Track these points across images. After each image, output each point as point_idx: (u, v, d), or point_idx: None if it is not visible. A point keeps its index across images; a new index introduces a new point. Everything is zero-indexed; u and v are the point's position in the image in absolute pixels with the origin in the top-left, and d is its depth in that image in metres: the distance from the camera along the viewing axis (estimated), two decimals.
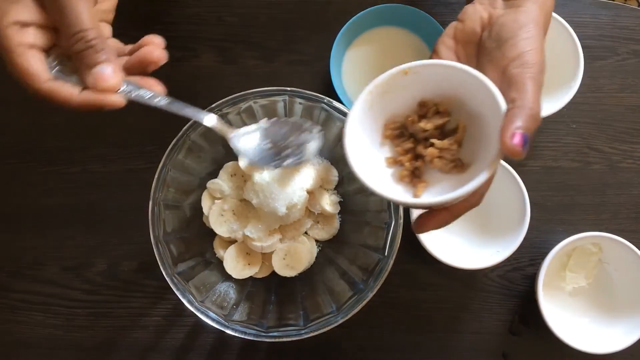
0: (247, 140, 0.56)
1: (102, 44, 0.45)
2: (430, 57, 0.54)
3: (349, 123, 0.50)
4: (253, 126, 0.57)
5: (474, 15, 0.53)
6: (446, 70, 0.49)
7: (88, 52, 0.45)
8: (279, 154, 0.57)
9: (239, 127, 0.69)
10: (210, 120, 0.54)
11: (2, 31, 0.43)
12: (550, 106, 0.73)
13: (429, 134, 0.51)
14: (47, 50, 0.46)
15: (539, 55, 0.48)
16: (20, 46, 0.44)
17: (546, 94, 0.74)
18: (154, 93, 0.48)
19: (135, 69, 0.49)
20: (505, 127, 0.43)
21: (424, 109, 0.52)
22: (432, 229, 0.50)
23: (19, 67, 0.44)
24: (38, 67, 0.44)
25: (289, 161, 0.57)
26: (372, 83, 0.52)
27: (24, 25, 0.44)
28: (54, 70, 0.46)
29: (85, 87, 0.46)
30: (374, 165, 0.52)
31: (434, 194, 0.49)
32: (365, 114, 0.51)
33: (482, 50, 0.51)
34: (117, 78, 0.46)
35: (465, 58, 0.53)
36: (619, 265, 0.74)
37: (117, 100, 0.46)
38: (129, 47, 0.50)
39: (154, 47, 0.48)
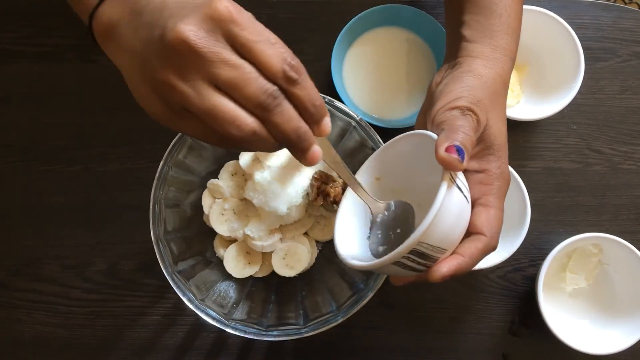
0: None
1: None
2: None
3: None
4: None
5: (432, 83, 0.56)
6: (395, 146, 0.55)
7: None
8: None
9: None
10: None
11: (249, 13, 0.41)
12: (551, 107, 0.73)
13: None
14: None
15: (468, 99, 0.49)
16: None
17: (547, 95, 0.75)
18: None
19: None
20: (438, 142, 0.45)
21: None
22: (449, 274, 0.48)
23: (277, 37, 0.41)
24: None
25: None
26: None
27: None
28: None
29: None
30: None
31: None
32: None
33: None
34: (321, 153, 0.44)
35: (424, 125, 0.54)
36: (619, 266, 0.74)
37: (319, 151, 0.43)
38: None
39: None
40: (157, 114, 0.43)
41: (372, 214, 0.54)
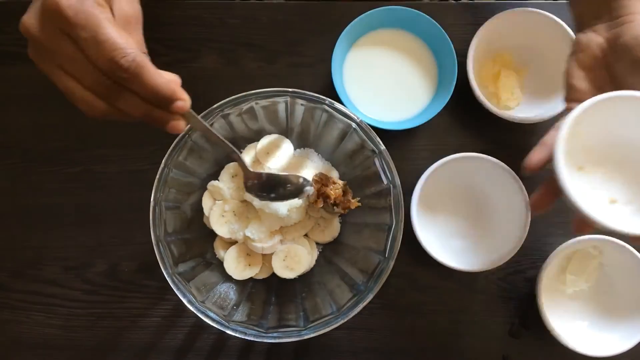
0: None
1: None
2: (567, 94, 0.58)
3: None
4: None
5: (590, 43, 0.56)
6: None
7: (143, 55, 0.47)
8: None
9: (241, 129, 0.70)
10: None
11: (90, 10, 0.43)
12: (551, 109, 0.73)
13: None
14: None
15: None
16: (112, 20, 0.45)
17: (547, 97, 0.75)
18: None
19: None
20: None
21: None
22: None
23: (115, 36, 0.43)
24: (130, 39, 0.45)
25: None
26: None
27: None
28: None
29: None
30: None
31: None
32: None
33: (616, 73, 0.54)
34: (178, 78, 0.48)
35: (602, 82, 0.55)
36: (620, 268, 0.74)
37: (187, 97, 0.48)
38: None
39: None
40: None
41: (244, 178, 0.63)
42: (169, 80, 0.46)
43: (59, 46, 0.44)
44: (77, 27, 0.43)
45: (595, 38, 0.55)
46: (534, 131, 0.78)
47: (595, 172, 0.55)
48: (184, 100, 0.47)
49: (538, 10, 0.74)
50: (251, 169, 0.63)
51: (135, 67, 0.44)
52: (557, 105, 0.73)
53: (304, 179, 0.64)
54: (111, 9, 0.47)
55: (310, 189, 0.65)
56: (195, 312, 0.62)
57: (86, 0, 0.43)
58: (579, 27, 0.61)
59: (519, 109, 0.77)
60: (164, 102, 0.46)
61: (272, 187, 0.64)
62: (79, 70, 0.45)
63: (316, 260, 0.74)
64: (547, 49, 0.77)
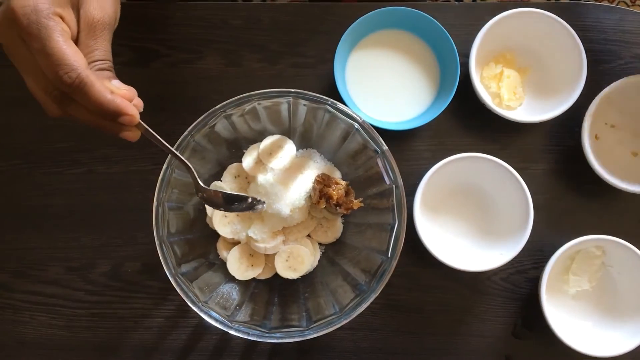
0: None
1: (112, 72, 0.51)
2: None
3: None
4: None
5: None
6: None
7: (108, 73, 0.50)
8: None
9: (243, 130, 0.70)
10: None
11: (52, 17, 0.46)
12: (553, 109, 0.73)
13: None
14: None
15: None
16: (64, 33, 0.47)
17: (550, 97, 0.75)
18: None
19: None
20: None
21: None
22: None
23: (66, 48, 0.46)
24: (81, 55, 0.47)
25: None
26: None
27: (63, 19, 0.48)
28: None
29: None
30: None
31: None
32: None
33: None
34: (132, 92, 0.51)
35: None
36: (623, 268, 0.74)
37: (135, 112, 0.50)
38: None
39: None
40: None
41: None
42: (112, 99, 0.48)
43: (17, 51, 0.48)
44: (30, 37, 0.46)
45: None
46: (536, 131, 0.78)
47: None
48: (131, 116, 0.49)
49: (541, 10, 0.74)
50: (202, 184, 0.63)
51: (78, 84, 0.46)
52: (560, 105, 0.73)
53: (254, 199, 0.65)
54: (78, 12, 0.49)
55: (261, 207, 0.65)
56: (198, 312, 0.62)
57: (42, 10, 0.46)
58: None
59: (522, 109, 0.77)
60: (110, 117, 0.49)
61: (226, 201, 0.64)
62: (35, 75, 0.48)
63: (319, 261, 0.74)
64: (549, 49, 0.76)
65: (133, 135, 0.52)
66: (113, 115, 0.48)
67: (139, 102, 0.53)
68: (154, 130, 0.55)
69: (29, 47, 0.47)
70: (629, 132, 0.77)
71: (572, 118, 0.78)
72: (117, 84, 0.50)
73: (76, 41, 0.49)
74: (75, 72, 0.45)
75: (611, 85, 0.72)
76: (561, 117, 0.73)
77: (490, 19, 0.74)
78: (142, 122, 0.52)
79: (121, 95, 0.49)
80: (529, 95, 0.78)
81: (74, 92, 0.46)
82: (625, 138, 0.77)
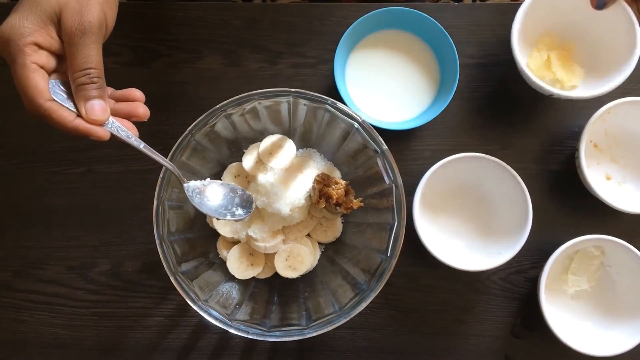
0: (200, 193, 0.63)
1: (102, 84, 0.52)
2: None
3: None
4: (201, 182, 0.64)
5: None
6: None
7: (88, 87, 0.51)
8: (228, 207, 0.64)
9: (244, 129, 0.70)
10: (169, 166, 0.60)
11: (21, 48, 0.49)
12: (613, 77, 0.70)
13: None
14: (50, 73, 0.52)
15: None
16: (33, 64, 0.49)
17: (604, 67, 0.73)
18: (131, 135, 0.55)
19: (121, 115, 0.55)
20: None
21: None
22: None
23: (27, 82, 0.49)
24: (44, 86, 0.50)
25: (240, 212, 0.65)
26: None
27: (40, 47, 0.50)
28: (54, 89, 0.51)
29: (78, 115, 0.52)
30: None
31: None
32: None
33: None
34: (105, 115, 0.52)
35: None
36: (621, 268, 0.74)
37: (103, 133, 0.52)
38: (117, 92, 0.57)
39: (138, 105, 0.56)
40: None
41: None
42: (75, 126, 0.51)
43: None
44: (6, 58, 0.50)
45: None
46: (535, 132, 0.78)
47: None
48: (98, 137, 0.52)
49: None
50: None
51: (40, 115, 0.50)
52: (618, 72, 0.70)
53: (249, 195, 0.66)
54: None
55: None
56: (198, 310, 0.62)
57: (14, 41, 0.49)
58: None
59: (583, 85, 0.74)
60: (83, 136, 0.52)
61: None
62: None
63: (318, 260, 0.74)
64: (591, 20, 0.73)
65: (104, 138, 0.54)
66: (82, 136, 0.52)
67: (140, 104, 0.56)
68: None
69: None
70: (608, 155, 0.78)
71: (574, 117, 0.78)
72: (93, 105, 0.52)
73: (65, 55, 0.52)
74: (34, 105, 0.50)
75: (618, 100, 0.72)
76: (561, 117, 0.73)
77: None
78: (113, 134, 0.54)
79: (91, 120, 0.52)
80: (584, 69, 0.75)
81: (41, 120, 0.51)
82: (605, 161, 0.78)
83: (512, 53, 0.70)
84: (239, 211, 0.65)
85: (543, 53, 0.75)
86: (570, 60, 0.75)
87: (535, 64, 0.75)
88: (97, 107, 0.52)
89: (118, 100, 0.56)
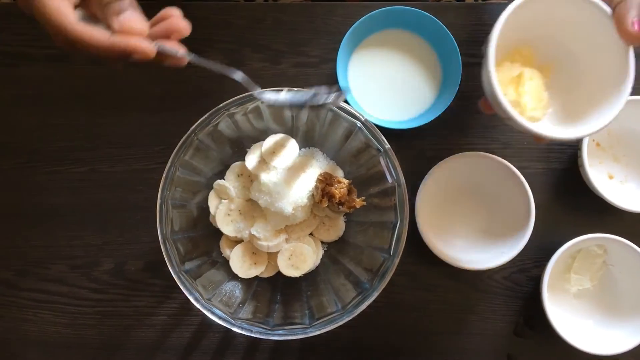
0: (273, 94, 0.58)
1: None
2: None
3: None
4: (276, 90, 0.59)
5: None
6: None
7: (117, 2, 0.47)
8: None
9: (246, 128, 0.70)
10: (237, 75, 0.55)
11: None
12: (589, 118, 0.58)
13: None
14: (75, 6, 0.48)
15: None
16: None
17: (582, 103, 0.61)
18: (179, 50, 0.50)
19: (160, 36, 0.50)
20: (621, 16, 0.51)
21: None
22: None
23: (53, 10, 0.45)
24: (70, 11, 0.46)
25: (322, 97, 0.58)
26: None
27: None
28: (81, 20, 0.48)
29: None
30: None
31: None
32: None
33: None
34: (143, 24, 0.47)
35: None
36: (624, 267, 0.74)
37: (147, 46, 0.47)
38: (151, 20, 0.52)
39: (177, 19, 0.50)
40: None
41: None
42: (112, 43, 0.46)
43: None
44: None
45: None
46: None
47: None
48: (141, 52, 0.47)
49: None
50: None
51: (71, 42, 0.46)
52: (598, 113, 0.57)
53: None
54: None
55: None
56: (201, 309, 0.62)
57: None
58: None
59: (548, 118, 0.63)
60: (122, 57, 0.47)
61: None
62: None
63: (321, 259, 0.74)
64: (580, 39, 0.60)
65: (175, 62, 0.49)
66: (123, 57, 0.46)
67: (179, 17, 0.50)
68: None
69: None
70: (610, 154, 0.78)
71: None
72: (127, 15, 0.47)
73: None
74: (63, 32, 0.45)
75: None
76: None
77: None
78: (168, 48, 0.49)
79: (127, 30, 0.46)
80: (555, 100, 0.63)
81: (73, 49, 0.46)
82: (607, 160, 0.78)
83: (486, 55, 0.55)
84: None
85: (516, 66, 0.63)
86: (542, 86, 0.63)
87: (504, 77, 0.62)
88: (132, 16, 0.47)
89: (153, 24, 0.51)
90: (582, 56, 0.61)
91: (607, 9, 0.54)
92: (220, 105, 0.63)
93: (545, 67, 0.64)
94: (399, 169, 0.64)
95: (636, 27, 0.50)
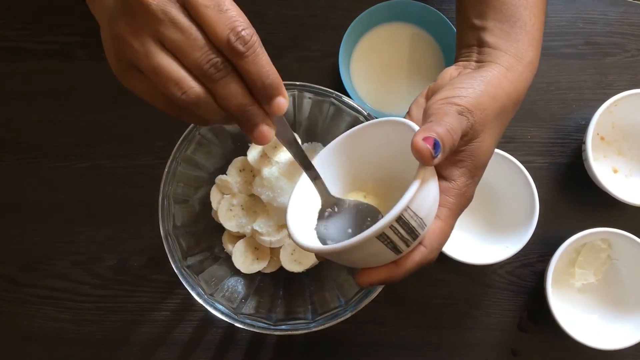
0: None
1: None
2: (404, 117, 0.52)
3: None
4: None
5: (445, 74, 0.52)
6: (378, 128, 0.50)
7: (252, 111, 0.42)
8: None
9: None
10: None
11: None
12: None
13: None
14: None
15: (472, 102, 0.46)
16: None
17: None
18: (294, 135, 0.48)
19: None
20: (418, 132, 0.41)
21: None
22: (377, 282, 0.46)
23: (235, 8, 0.40)
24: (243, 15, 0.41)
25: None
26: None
27: None
28: None
29: None
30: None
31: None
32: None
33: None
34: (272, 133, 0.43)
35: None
36: (628, 261, 0.73)
37: (269, 133, 0.43)
38: None
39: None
40: (113, 68, 0.43)
41: (322, 205, 0.51)
42: (275, 70, 0.41)
43: (167, 14, 0.38)
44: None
45: (452, 70, 0.52)
46: (542, 125, 0.78)
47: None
48: (285, 99, 0.42)
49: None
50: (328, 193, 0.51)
51: (254, 42, 0.40)
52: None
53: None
54: None
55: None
56: (204, 304, 0.62)
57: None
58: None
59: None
60: (267, 94, 0.41)
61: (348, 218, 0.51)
62: (185, 44, 0.38)
63: None
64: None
65: (270, 134, 0.42)
66: (273, 92, 0.41)
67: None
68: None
69: (190, 7, 0.38)
70: (615, 148, 0.77)
71: (578, 111, 0.78)
72: (262, 131, 0.42)
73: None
74: (251, 30, 0.39)
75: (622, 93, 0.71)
76: (566, 111, 0.73)
77: None
78: (284, 118, 0.44)
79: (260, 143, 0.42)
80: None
81: (248, 52, 0.39)
82: (611, 154, 0.78)
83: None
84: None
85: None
86: None
87: None
88: (266, 131, 0.42)
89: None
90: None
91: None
92: None
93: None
94: None
95: (427, 142, 0.41)
